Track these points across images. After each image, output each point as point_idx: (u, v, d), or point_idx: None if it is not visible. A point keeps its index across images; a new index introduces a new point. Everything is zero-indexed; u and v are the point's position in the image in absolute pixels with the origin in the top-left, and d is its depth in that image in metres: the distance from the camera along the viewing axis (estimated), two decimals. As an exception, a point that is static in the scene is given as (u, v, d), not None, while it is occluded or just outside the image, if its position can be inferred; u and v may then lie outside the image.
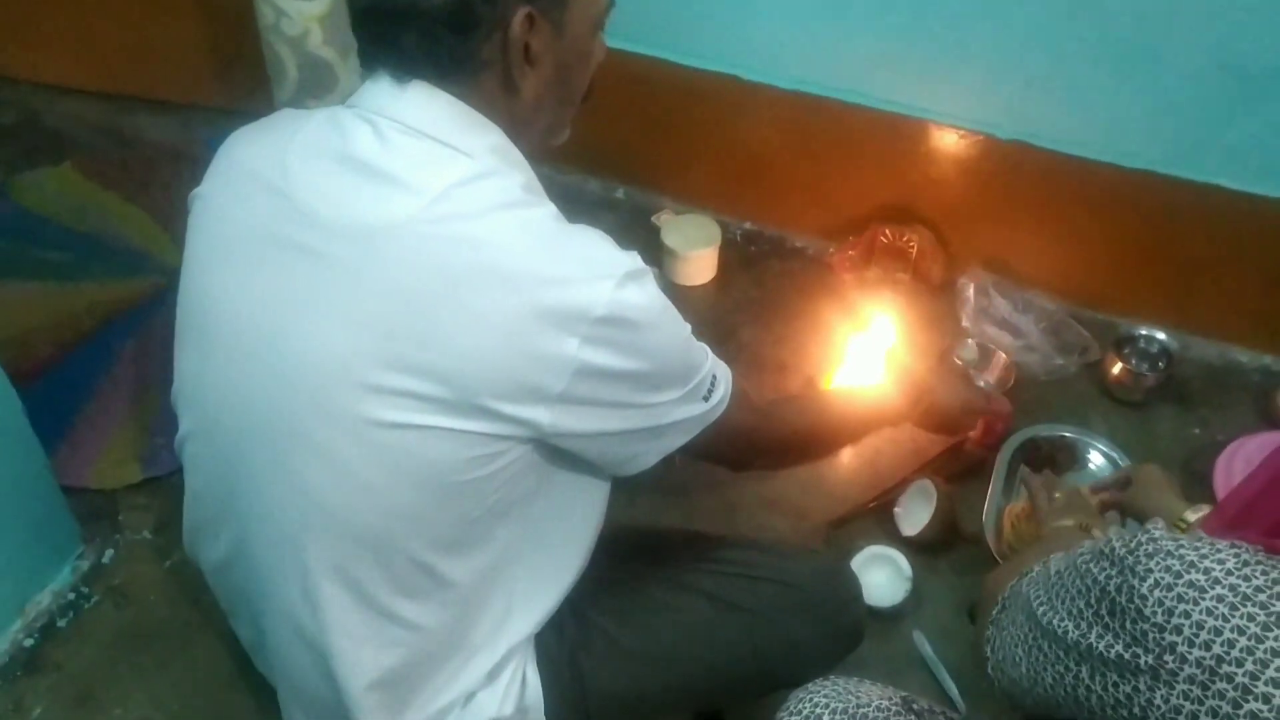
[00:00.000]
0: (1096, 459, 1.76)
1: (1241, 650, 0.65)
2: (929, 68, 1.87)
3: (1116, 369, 1.88)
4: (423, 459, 0.90)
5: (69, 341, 1.94)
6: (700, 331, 1.96)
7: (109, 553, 1.65)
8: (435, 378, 0.87)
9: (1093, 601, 0.74)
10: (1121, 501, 1.38)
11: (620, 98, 2.13)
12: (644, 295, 0.92)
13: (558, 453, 0.97)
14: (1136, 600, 0.69)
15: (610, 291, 0.88)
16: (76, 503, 1.64)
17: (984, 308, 1.99)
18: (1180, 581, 0.68)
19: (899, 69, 1.90)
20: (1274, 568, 0.69)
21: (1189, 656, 0.67)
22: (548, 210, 0.94)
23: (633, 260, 0.93)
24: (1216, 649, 0.66)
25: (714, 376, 1.05)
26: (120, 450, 1.76)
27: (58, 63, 2.46)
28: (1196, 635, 0.66)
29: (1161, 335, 1.93)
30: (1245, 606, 0.66)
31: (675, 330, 0.99)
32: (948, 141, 1.94)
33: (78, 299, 2.01)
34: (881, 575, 1.59)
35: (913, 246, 2.03)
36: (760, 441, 1.19)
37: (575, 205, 2.25)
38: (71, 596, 1.59)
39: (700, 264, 2.07)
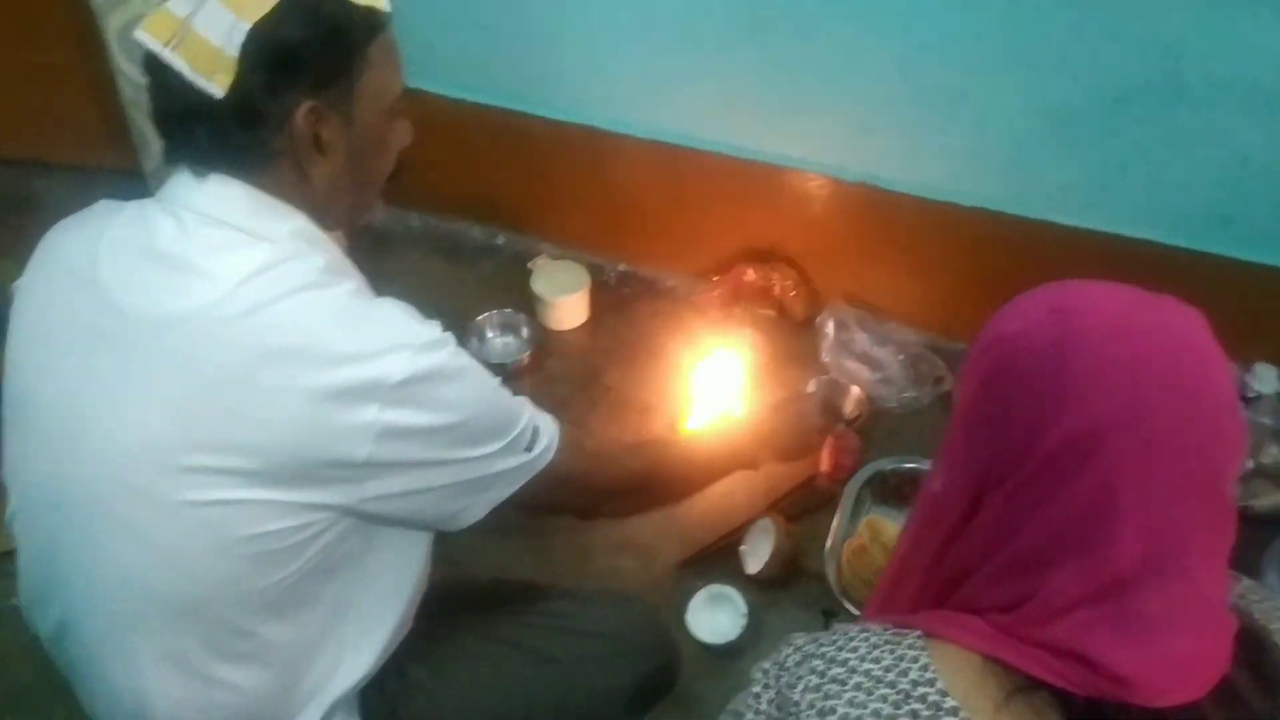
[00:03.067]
0: (940, 490, 1.82)
1: None
2: (771, 115, 1.94)
3: (966, 399, 1.94)
4: (237, 532, 0.94)
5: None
6: (566, 376, 2.05)
7: (-25, 620, 1.67)
8: (242, 452, 0.91)
9: None
10: None
11: (495, 149, 2.21)
12: (443, 358, 0.97)
13: (379, 515, 1.01)
14: (791, 708, 0.72)
15: (408, 360, 0.93)
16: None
17: (844, 342, 2.05)
18: (825, 679, 0.72)
19: (743, 117, 1.96)
20: (899, 643, 0.73)
21: None
22: (346, 289, 0.98)
23: (432, 331, 0.98)
24: None
25: (535, 428, 1.09)
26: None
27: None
28: None
29: (1010, 365, 1.99)
30: (879, 689, 0.70)
31: (481, 384, 1.03)
32: (798, 184, 2.00)
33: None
34: (722, 613, 1.65)
35: (775, 285, 2.10)
36: (599, 487, 1.23)
37: (457, 252, 2.33)
38: (-62, 665, 1.62)
39: (569, 309, 2.13)
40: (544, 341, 2.12)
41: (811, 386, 1.91)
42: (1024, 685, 0.68)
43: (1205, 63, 1.57)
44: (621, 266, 2.28)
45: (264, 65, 0.94)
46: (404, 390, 0.93)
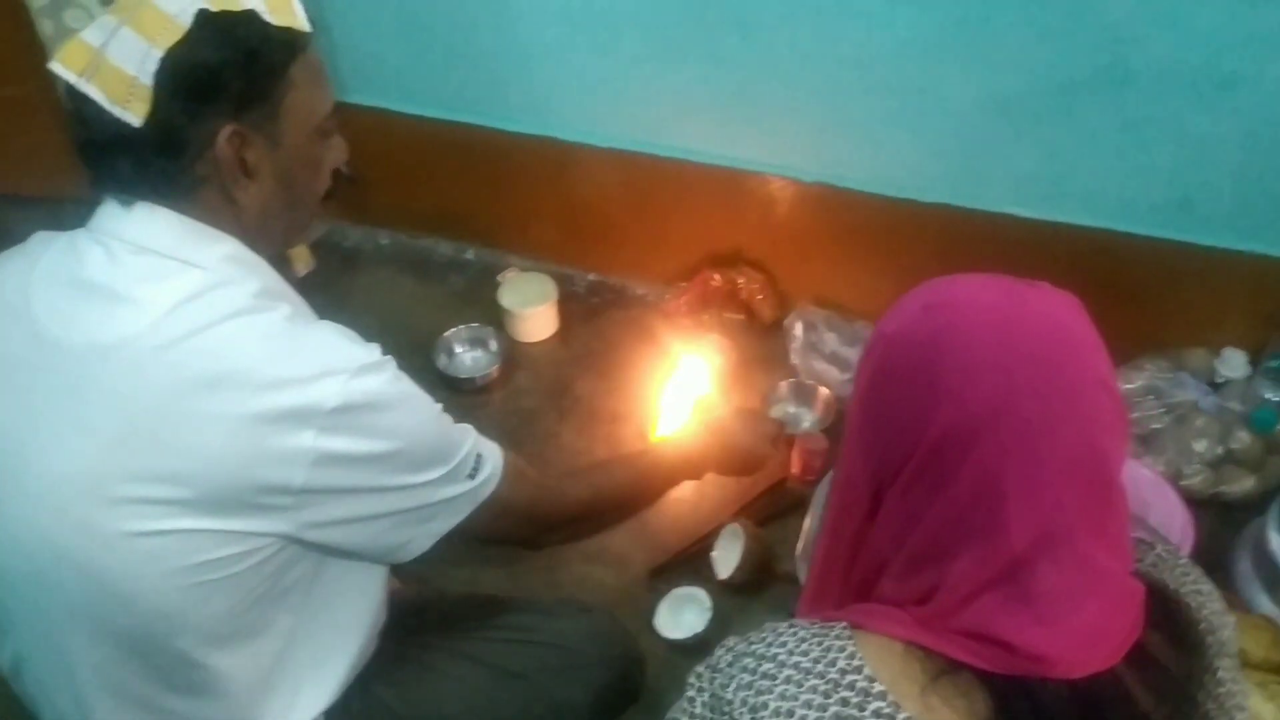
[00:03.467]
0: (910, 487, 1.81)
1: None
2: (730, 120, 1.94)
3: (934, 395, 1.93)
4: (177, 562, 0.93)
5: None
6: (536, 388, 2.05)
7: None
8: (177, 482, 0.90)
9: None
10: None
11: (461, 164, 2.22)
12: (379, 383, 0.95)
13: (322, 544, 1.00)
14: (725, 708, 0.73)
15: (342, 385, 0.92)
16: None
17: (813, 343, 2.04)
18: (757, 676, 0.72)
19: (702, 122, 1.97)
20: (826, 635, 0.74)
21: None
22: (280, 313, 0.97)
23: (369, 354, 0.96)
24: None
25: (479, 455, 1.07)
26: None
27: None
28: None
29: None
30: (809, 680, 0.71)
31: (421, 410, 1.01)
32: (759, 187, 2.01)
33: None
34: (690, 613, 1.66)
35: (742, 289, 2.09)
36: (544, 516, 1.21)
37: (427, 269, 2.33)
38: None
39: (537, 320, 2.13)
40: (514, 354, 2.12)
41: (777, 395, 1.90)
42: (947, 668, 0.70)
43: (1151, 49, 1.57)
44: (591, 276, 2.28)
45: (179, 92, 0.93)
46: (339, 417, 0.92)
